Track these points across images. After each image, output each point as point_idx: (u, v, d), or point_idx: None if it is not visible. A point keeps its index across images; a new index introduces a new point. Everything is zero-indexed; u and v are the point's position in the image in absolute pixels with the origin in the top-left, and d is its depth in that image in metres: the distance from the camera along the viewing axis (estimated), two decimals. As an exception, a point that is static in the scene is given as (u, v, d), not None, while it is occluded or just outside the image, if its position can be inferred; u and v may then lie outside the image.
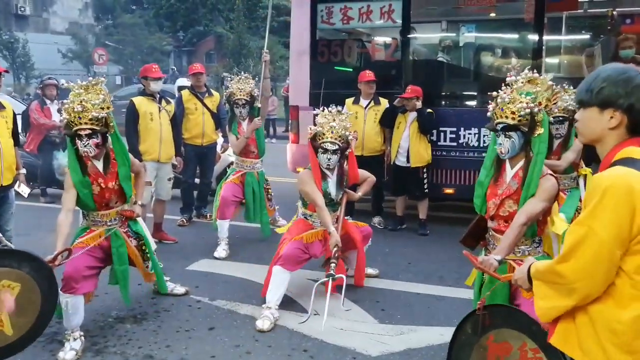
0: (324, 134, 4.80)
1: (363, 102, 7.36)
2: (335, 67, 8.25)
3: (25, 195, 5.27)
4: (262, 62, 6.62)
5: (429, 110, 7.01)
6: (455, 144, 7.23)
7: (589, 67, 7.51)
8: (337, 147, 4.80)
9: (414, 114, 6.96)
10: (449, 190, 7.33)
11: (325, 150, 4.80)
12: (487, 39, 8.84)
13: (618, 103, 1.92)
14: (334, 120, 4.84)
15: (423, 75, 8.05)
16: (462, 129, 7.18)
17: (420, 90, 6.97)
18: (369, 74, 7.28)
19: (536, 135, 3.39)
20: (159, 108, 6.63)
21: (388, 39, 8.46)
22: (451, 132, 7.24)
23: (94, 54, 25.42)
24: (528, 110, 3.37)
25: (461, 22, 8.87)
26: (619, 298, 1.82)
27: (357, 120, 7.29)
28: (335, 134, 4.79)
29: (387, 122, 7.25)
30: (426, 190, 7.18)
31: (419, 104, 6.91)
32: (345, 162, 5.09)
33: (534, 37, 7.11)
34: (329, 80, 7.63)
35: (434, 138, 7.29)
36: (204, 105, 7.47)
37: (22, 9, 35.53)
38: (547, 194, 3.35)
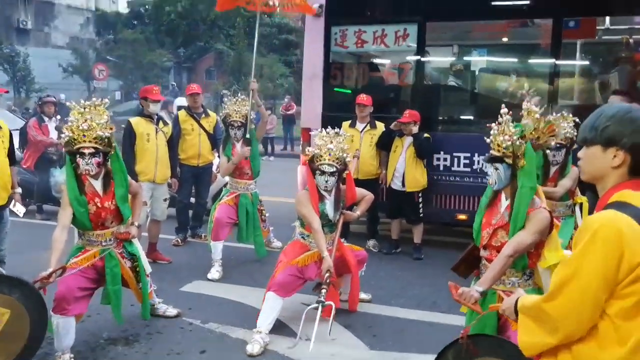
0: (321, 156, 4.83)
1: (359, 125, 7.41)
2: (340, 90, 8.27)
3: (21, 215, 5.29)
4: (250, 90, 6.61)
5: (426, 135, 7.06)
6: (469, 169, 7.23)
7: (603, 94, 7.49)
8: (334, 169, 4.83)
9: (410, 139, 7.00)
10: (462, 217, 7.30)
11: (323, 172, 4.83)
12: (501, 63, 8.82)
13: (622, 142, 1.92)
14: (332, 142, 4.87)
15: (436, 99, 8.11)
16: (476, 154, 7.16)
17: (418, 114, 7.02)
18: (362, 98, 7.33)
19: (520, 167, 3.43)
20: (156, 129, 6.68)
21: (402, 63, 8.46)
22: (465, 158, 7.23)
23: (94, 69, 25.51)
24: (510, 143, 3.43)
25: (475, 47, 8.91)
26: (602, 340, 1.83)
27: (353, 143, 7.32)
28: (332, 156, 4.83)
29: (384, 145, 7.29)
30: (421, 215, 7.21)
31: (415, 129, 6.95)
32: (343, 183, 5.12)
33: (549, 62, 7.13)
34: (341, 103, 7.62)
35: (447, 163, 7.33)
36: (201, 126, 7.51)
37: (24, 23, 35.77)
38: (536, 227, 3.36)
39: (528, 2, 7.18)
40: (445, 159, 7.36)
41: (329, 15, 7.88)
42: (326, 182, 4.85)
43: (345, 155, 4.91)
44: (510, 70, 8.59)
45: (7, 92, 5.77)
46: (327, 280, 4.54)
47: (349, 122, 7.52)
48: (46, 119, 8.85)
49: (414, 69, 7.87)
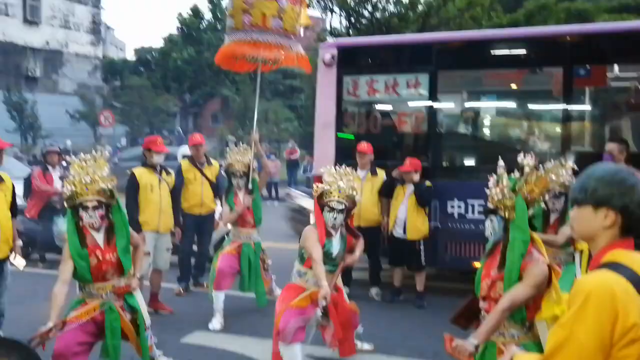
0: (331, 193, 4.82)
1: (360, 172, 7.45)
2: (352, 137, 8.26)
3: (21, 268, 5.29)
4: (251, 141, 6.66)
5: (427, 183, 7.08)
6: (484, 216, 7.18)
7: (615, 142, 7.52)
8: (343, 206, 4.82)
9: (412, 187, 7.02)
10: (479, 264, 7.25)
11: (332, 209, 4.81)
12: (513, 110, 8.82)
13: (612, 203, 1.94)
14: (342, 179, 4.87)
15: (450, 146, 8.16)
16: None
17: (419, 163, 7.07)
18: (362, 146, 7.41)
19: (510, 220, 3.45)
20: (159, 179, 6.74)
21: (414, 111, 8.47)
22: (479, 205, 7.16)
23: (100, 116, 25.87)
24: (500, 196, 3.47)
25: (486, 94, 8.92)
26: None
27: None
28: (342, 194, 4.81)
29: (386, 192, 7.32)
30: (423, 263, 7.18)
31: (416, 177, 6.98)
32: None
33: (560, 109, 7.24)
34: (354, 151, 7.62)
35: (462, 210, 7.34)
36: (203, 175, 7.57)
37: (33, 71, 36.37)
38: (532, 281, 3.32)
39: (539, 51, 7.31)
40: (459, 206, 7.38)
41: (341, 65, 7.98)
42: (334, 219, 4.83)
43: (354, 193, 4.90)
44: (522, 116, 8.64)
45: (12, 145, 5.82)
46: (323, 307, 4.50)
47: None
48: (50, 168, 8.93)
49: (426, 116, 7.96)
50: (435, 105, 7.80)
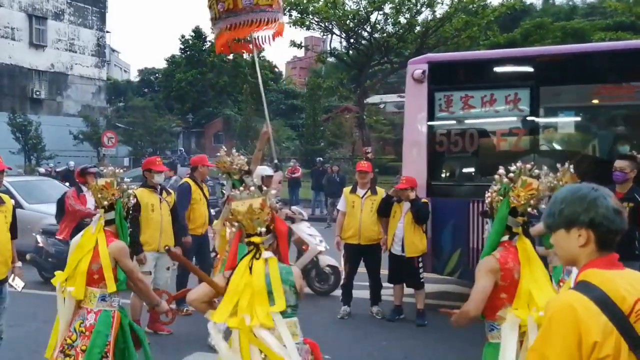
0: None
1: (360, 191, 7.50)
2: (449, 156, 8.02)
3: (19, 289, 5.31)
4: (264, 137, 6.67)
5: (423, 200, 7.12)
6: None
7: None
8: None
9: (408, 204, 7.06)
10: None
11: None
12: (624, 127, 8.21)
13: (580, 220, 1.98)
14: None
15: (553, 165, 7.59)
16: None
17: (415, 180, 7.10)
18: (362, 165, 7.47)
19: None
20: (160, 199, 6.79)
21: (514, 128, 8.00)
22: None
23: (103, 136, 26.01)
24: (489, 200, 3.60)
25: (597, 110, 8.21)
26: None
27: (354, 209, 7.43)
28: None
29: (383, 211, 7.34)
30: (422, 280, 7.20)
31: (413, 195, 7.02)
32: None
33: None
34: (449, 170, 7.54)
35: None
36: (204, 194, 7.61)
37: (38, 93, 36.65)
38: (477, 274, 3.42)
39: None
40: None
41: (432, 81, 7.72)
42: None
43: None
44: (633, 132, 8.04)
45: (11, 168, 5.86)
46: None
47: (350, 188, 7.67)
48: (84, 188, 8.93)
49: (527, 133, 7.66)
50: (537, 121, 7.51)
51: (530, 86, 7.37)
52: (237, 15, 6.38)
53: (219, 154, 6.75)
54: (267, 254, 3.40)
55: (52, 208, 11.48)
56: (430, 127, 7.76)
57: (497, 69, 7.89)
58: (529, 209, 3.50)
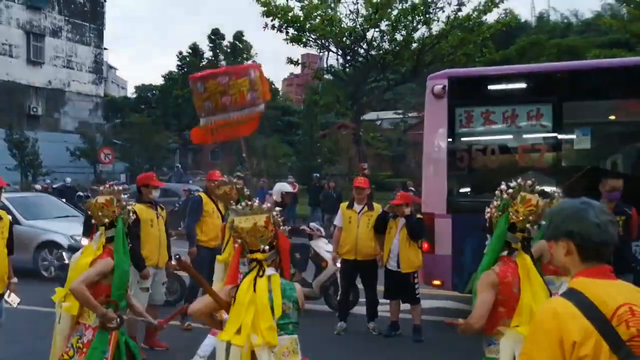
0: None
1: (357, 207, 7.52)
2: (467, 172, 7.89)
3: (15, 305, 5.30)
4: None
5: (418, 216, 7.13)
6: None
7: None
8: None
9: (403, 220, 7.08)
10: None
11: None
12: None
13: (561, 232, 2.13)
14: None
15: (576, 181, 7.34)
16: None
17: (410, 196, 7.13)
18: (359, 181, 7.50)
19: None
20: (156, 214, 6.82)
21: (536, 144, 7.86)
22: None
23: (100, 153, 26.03)
24: (489, 215, 3.64)
25: (620, 125, 8.12)
26: None
27: (351, 224, 7.44)
28: None
29: (380, 228, 7.35)
30: (418, 296, 7.19)
31: (407, 211, 7.04)
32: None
33: None
34: (468, 186, 7.49)
35: None
36: (218, 208, 7.63)
37: (35, 109, 36.69)
38: (478, 289, 3.43)
39: None
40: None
41: (452, 96, 7.66)
42: None
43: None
44: None
45: (9, 185, 5.88)
46: None
47: (347, 203, 7.68)
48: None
49: (550, 149, 7.56)
50: (560, 137, 7.42)
51: (553, 102, 7.30)
52: (243, 109, 6.88)
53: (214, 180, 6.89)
54: (270, 270, 3.37)
55: (50, 224, 11.51)
56: (450, 143, 7.68)
57: (519, 84, 7.80)
58: (528, 225, 3.51)
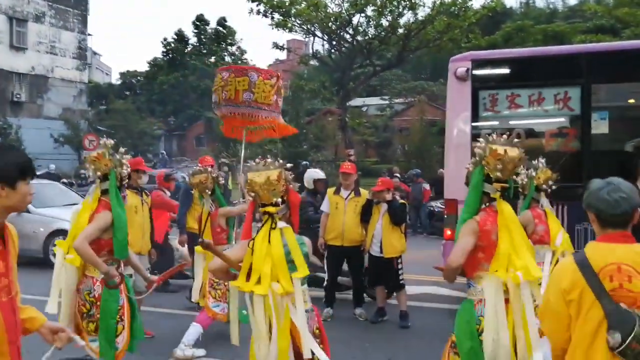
0: None
1: (343, 192, 7.50)
2: None
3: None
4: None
5: (401, 201, 7.13)
6: None
7: None
8: None
9: (386, 206, 7.07)
10: None
11: None
12: None
13: (586, 204, 2.75)
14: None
15: (607, 167, 6.96)
16: None
17: (391, 182, 7.14)
18: (346, 167, 7.47)
19: None
20: (142, 201, 6.76)
21: (564, 127, 7.78)
22: None
23: (84, 139, 25.79)
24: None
25: None
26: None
27: (338, 210, 7.42)
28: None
29: (365, 216, 7.36)
30: (402, 281, 7.21)
31: (389, 196, 7.03)
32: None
33: None
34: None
35: None
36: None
37: (18, 96, 36.20)
38: (460, 234, 3.70)
39: None
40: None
41: (476, 79, 7.47)
42: None
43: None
44: None
45: None
46: None
47: (334, 189, 7.65)
48: (168, 193, 8.90)
49: (578, 133, 7.40)
50: (588, 121, 7.21)
51: (582, 84, 7.14)
52: (237, 106, 6.95)
53: (195, 166, 6.87)
54: (281, 223, 3.62)
55: (60, 212, 11.23)
56: (474, 127, 7.47)
57: (546, 67, 7.59)
58: (498, 174, 3.66)
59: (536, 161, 5.76)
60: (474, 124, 7.44)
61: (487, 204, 3.76)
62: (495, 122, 7.75)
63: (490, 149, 3.70)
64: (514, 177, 3.81)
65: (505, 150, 3.66)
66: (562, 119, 7.69)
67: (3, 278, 2.50)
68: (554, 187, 5.68)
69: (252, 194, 3.66)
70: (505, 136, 3.81)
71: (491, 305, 3.47)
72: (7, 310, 2.50)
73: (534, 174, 5.67)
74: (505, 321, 3.44)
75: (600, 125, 7.44)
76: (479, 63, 7.58)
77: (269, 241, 3.53)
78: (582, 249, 2.73)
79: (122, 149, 4.56)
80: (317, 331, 3.62)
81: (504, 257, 3.53)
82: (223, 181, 6.71)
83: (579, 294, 2.57)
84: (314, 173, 8.29)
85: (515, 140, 3.85)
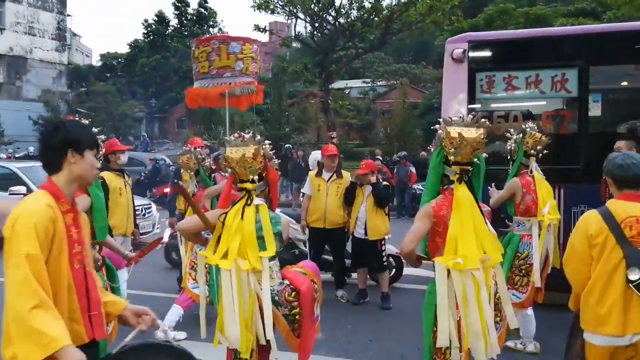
0: None
1: (325, 175, 7.49)
2: None
3: None
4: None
5: (385, 183, 7.14)
6: None
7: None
8: None
9: (370, 188, 7.08)
10: None
11: None
12: None
13: (604, 170, 3.54)
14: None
15: (603, 150, 6.77)
16: None
17: (374, 164, 7.14)
18: (331, 148, 7.46)
19: None
20: (124, 182, 6.72)
21: (561, 110, 7.75)
22: None
23: (64, 122, 25.45)
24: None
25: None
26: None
27: (320, 193, 7.41)
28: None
29: (349, 200, 7.34)
30: (385, 263, 7.24)
31: (373, 178, 7.04)
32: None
33: None
34: (489, 155, 7.30)
35: None
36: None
37: (-5, 77, 35.71)
38: (415, 218, 3.70)
39: None
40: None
41: (473, 60, 7.36)
42: None
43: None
44: None
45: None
46: None
47: (315, 171, 7.63)
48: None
49: (575, 116, 7.30)
50: (586, 103, 7.12)
51: (579, 66, 7.06)
52: (212, 78, 7.58)
53: (182, 149, 6.85)
54: (258, 200, 3.63)
55: None
56: (470, 110, 7.31)
57: (543, 48, 7.50)
58: (454, 157, 3.60)
59: (525, 125, 5.69)
60: (470, 105, 7.39)
61: (446, 187, 3.69)
62: (492, 104, 7.75)
63: (447, 132, 3.62)
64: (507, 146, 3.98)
65: (460, 133, 3.56)
66: (560, 101, 7.67)
67: (77, 245, 2.54)
68: (545, 151, 5.61)
69: (229, 170, 3.69)
70: (470, 117, 3.74)
71: (440, 291, 3.43)
72: (79, 278, 2.52)
73: (522, 138, 5.57)
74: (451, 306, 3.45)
75: (596, 108, 7.43)
76: (475, 44, 7.48)
77: (242, 217, 3.54)
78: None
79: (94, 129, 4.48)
80: (291, 297, 3.56)
81: (451, 243, 3.49)
82: (208, 162, 6.66)
83: (603, 239, 3.31)
84: (318, 155, 8.18)
85: (482, 120, 3.76)
